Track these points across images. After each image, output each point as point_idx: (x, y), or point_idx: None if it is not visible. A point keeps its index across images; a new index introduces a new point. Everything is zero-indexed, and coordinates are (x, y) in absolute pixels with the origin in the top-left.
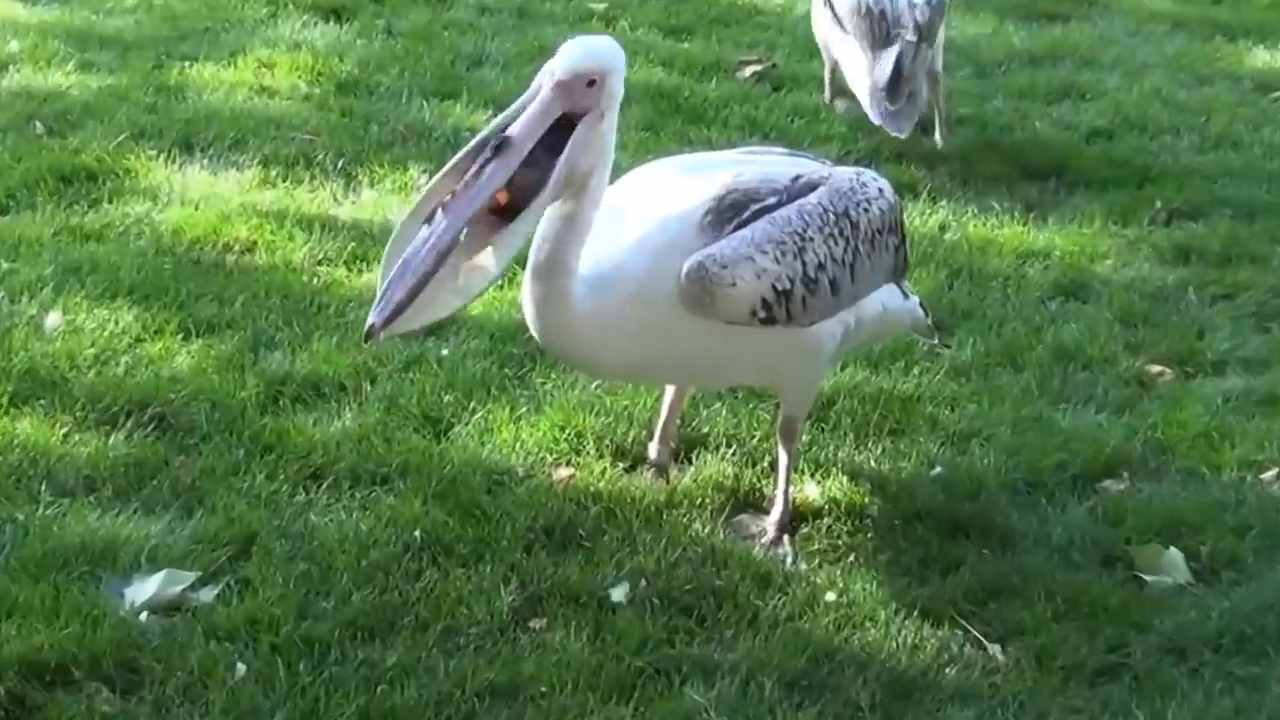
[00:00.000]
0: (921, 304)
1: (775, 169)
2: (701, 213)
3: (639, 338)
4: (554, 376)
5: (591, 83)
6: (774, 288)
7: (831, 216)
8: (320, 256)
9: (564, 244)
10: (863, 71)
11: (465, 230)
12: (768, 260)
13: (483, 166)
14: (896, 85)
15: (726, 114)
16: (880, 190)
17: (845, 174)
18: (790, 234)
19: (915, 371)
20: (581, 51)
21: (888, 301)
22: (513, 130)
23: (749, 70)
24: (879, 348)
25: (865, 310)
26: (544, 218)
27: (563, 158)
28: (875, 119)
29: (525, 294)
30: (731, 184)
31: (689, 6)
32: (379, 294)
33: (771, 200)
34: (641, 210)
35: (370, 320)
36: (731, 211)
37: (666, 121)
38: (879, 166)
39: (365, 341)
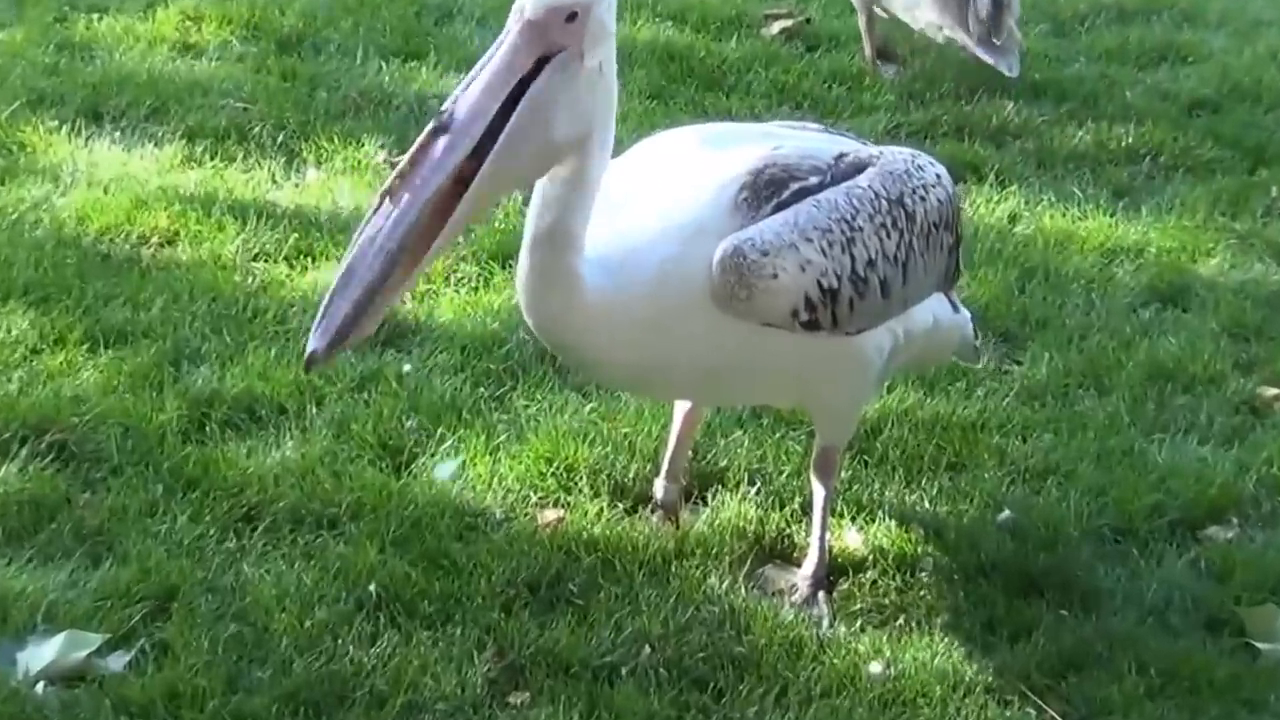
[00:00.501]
0: (972, 320)
1: (814, 144)
2: (736, 189)
3: (653, 336)
4: (539, 398)
5: (572, 16)
6: (819, 284)
7: (884, 203)
8: (256, 250)
9: (570, 211)
10: (951, 5)
11: (419, 222)
12: (813, 250)
13: (431, 140)
14: (998, 17)
15: (749, 79)
16: (938, 177)
17: (898, 154)
18: (838, 221)
19: (979, 393)
20: None
21: (939, 313)
22: (469, 90)
23: (777, 26)
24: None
25: (915, 321)
26: (543, 183)
27: (519, 110)
28: (982, 56)
29: (521, 272)
30: (769, 157)
31: None
32: (320, 309)
33: (814, 180)
34: (659, 186)
35: (310, 346)
36: (770, 189)
37: (676, 88)
38: (935, 144)
39: (307, 370)
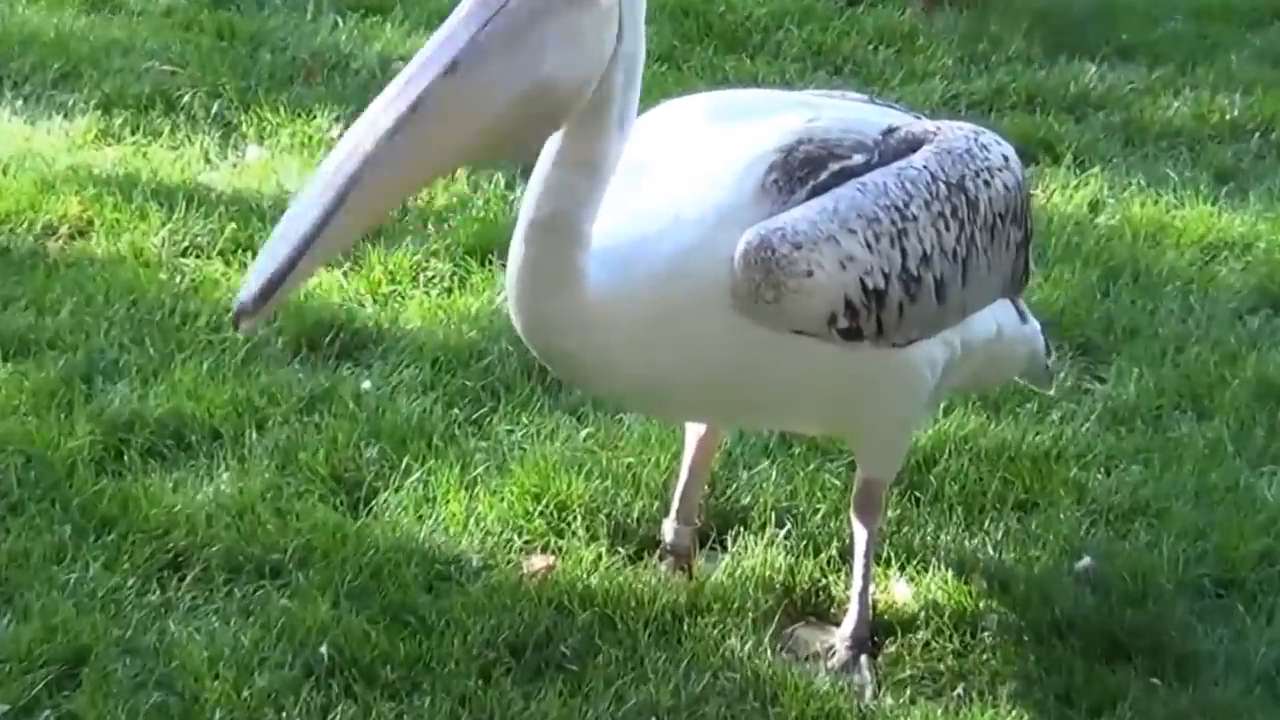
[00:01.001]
0: (1044, 333)
1: (857, 116)
2: (764, 168)
3: (663, 342)
4: (525, 421)
5: None
6: (863, 283)
7: (942, 188)
8: (186, 243)
9: (577, 200)
10: None
11: (377, 156)
12: (855, 243)
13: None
14: None
15: (779, 39)
16: (1005, 159)
17: (958, 131)
18: (887, 209)
19: (1053, 417)
20: None
21: (1004, 322)
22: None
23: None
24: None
25: (975, 331)
26: (545, 165)
27: (493, 22)
28: None
29: (512, 266)
30: (804, 131)
31: None
32: (258, 261)
33: (858, 159)
34: (671, 164)
35: (240, 297)
36: (805, 169)
37: (691, 49)
38: (1001, 117)
39: (235, 328)
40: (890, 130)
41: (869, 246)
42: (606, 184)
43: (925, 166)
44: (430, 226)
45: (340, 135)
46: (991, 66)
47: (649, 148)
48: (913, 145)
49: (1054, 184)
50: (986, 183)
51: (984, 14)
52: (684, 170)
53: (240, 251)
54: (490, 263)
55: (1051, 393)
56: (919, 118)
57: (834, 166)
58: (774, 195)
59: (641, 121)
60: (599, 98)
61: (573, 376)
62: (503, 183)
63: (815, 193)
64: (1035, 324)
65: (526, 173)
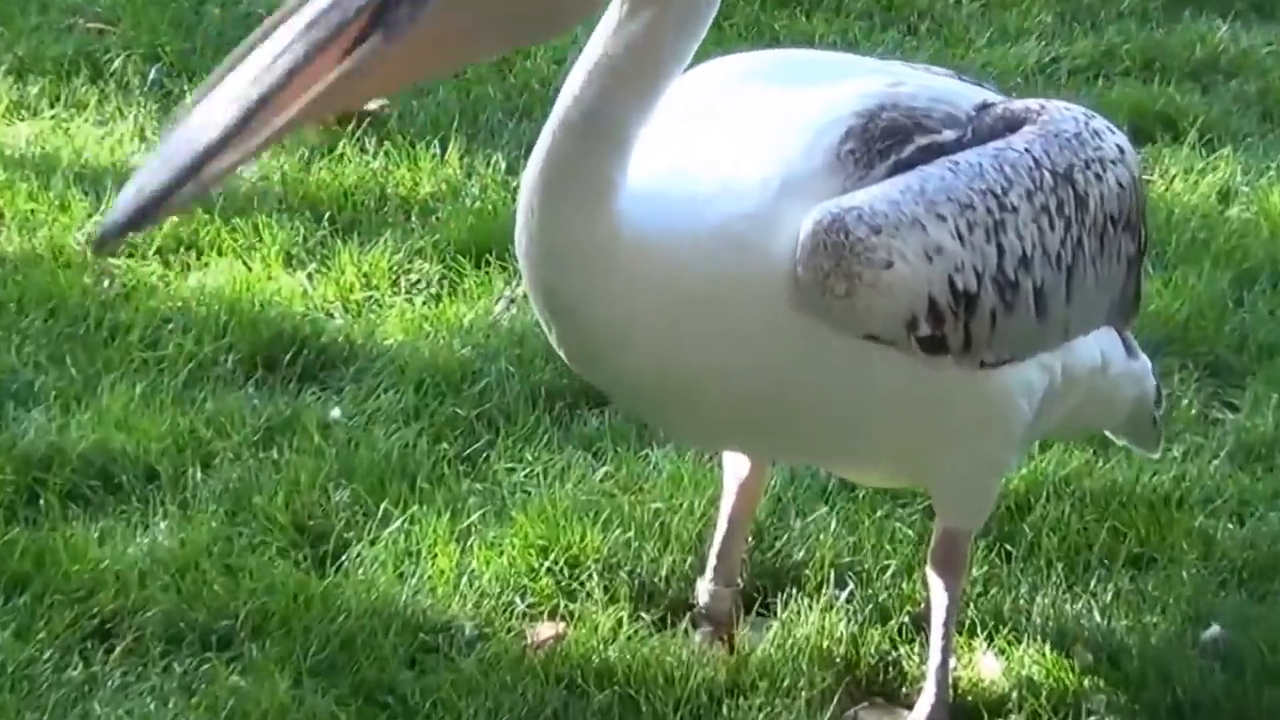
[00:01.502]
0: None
1: (948, 86)
2: (839, 135)
3: (699, 325)
4: (529, 458)
5: None
6: (951, 282)
7: (1047, 178)
8: None
9: (623, 93)
10: None
11: (301, 64)
12: (945, 232)
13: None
14: None
15: None
16: (1120, 151)
17: (1065, 111)
18: (983, 194)
19: (1174, 453)
20: None
21: (1110, 353)
22: None
23: None
24: None
25: (1077, 358)
26: (591, 45)
27: None
28: None
29: (529, 174)
30: (887, 96)
31: None
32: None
33: (949, 135)
34: (730, 118)
35: (108, 218)
36: (887, 140)
37: (734, 4)
38: (1109, 85)
39: (96, 251)
40: (985, 105)
41: (960, 238)
42: (665, 81)
43: (1028, 150)
44: (414, 219)
45: None
46: (1099, 24)
47: (701, 98)
48: (1013, 124)
49: (1175, 167)
50: (1098, 176)
51: None
52: (743, 127)
53: (181, 250)
54: (487, 264)
55: (1157, 455)
56: (1012, 98)
57: (921, 140)
58: (849, 168)
59: (694, 73)
60: None
61: (578, 344)
62: (503, 165)
63: (898, 169)
64: (1145, 361)
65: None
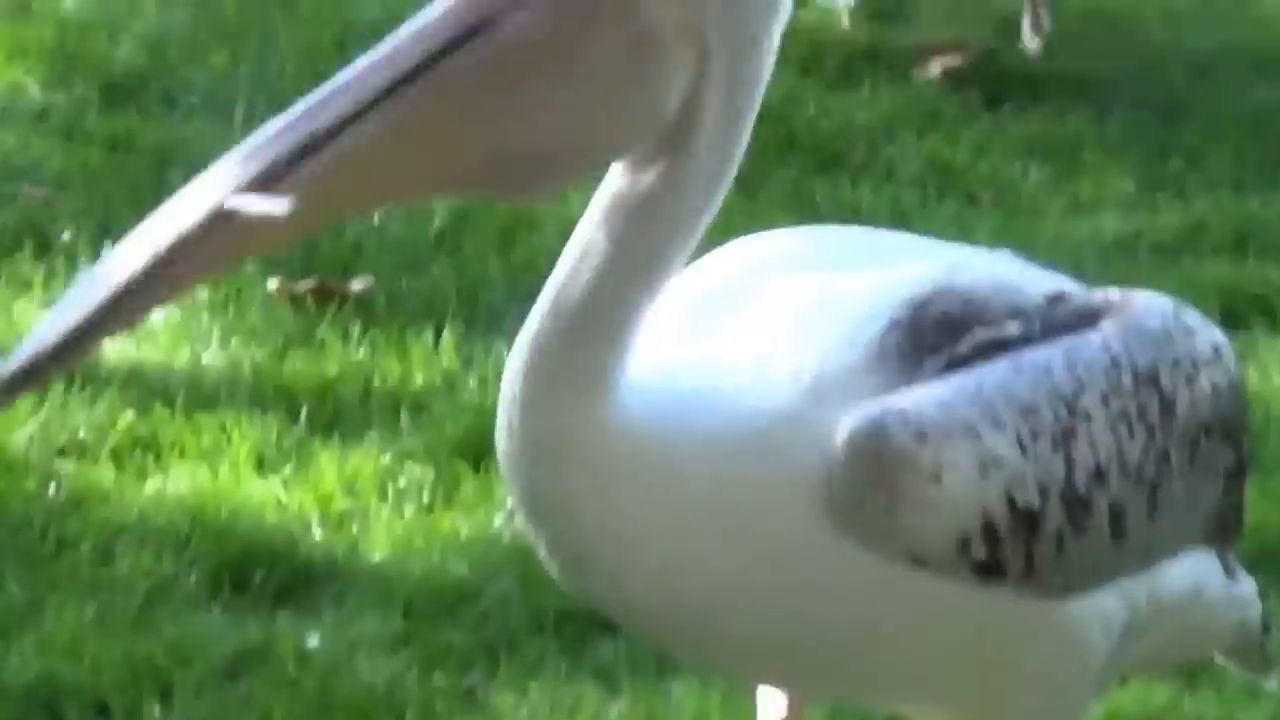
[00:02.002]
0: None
1: (1011, 271)
2: (883, 325)
3: (712, 536)
4: (534, 692)
5: None
6: (1010, 499)
7: (1126, 379)
8: (65, 439)
9: (626, 267)
10: None
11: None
12: (1004, 441)
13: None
14: None
15: (891, 155)
16: (1216, 350)
17: (1152, 304)
18: (1050, 398)
19: (1273, 686)
20: None
21: (1205, 579)
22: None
23: (937, 66)
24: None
25: (1165, 587)
26: (590, 215)
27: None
28: None
29: (514, 363)
30: (942, 282)
31: None
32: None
33: (1012, 329)
34: (756, 307)
35: (9, 367)
36: (940, 334)
37: (769, 169)
38: (1198, 263)
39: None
40: (1057, 296)
41: (1022, 447)
42: (676, 256)
43: (1105, 347)
44: (404, 416)
45: (278, 290)
46: (1186, 193)
47: (723, 280)
48: (1087, 318)
49: (1272, 358)
50: (1189, 378)
51: (1174, 119)
52: (771, 314)
53: (139, 451)
54: (485, 468)
55: (1273, 684)
56: (1089, 291)
57: (980, 335)
58: (895, 363)
59: (717, 254)
60: (681, 124)
61: (567, 560)
62: (506, 355)
63: (952, 367)
64: (1248, 584)
65: None
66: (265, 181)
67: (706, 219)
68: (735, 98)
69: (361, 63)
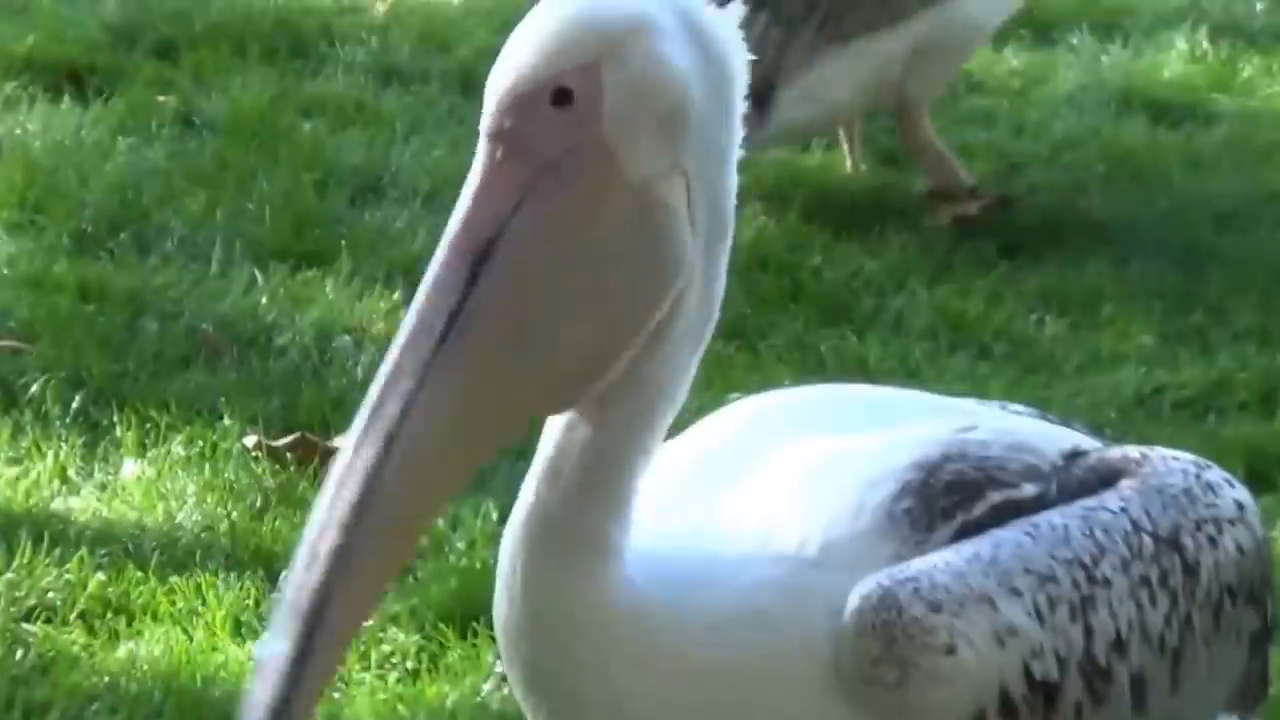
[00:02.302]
0: None
1: (1025, 429)
2: (893, 491)
3: (718, 713)
4: None
5: (562, 96)
6: (1028, 670)
7: (1147, 543)
8: (32, 602)
9: (610, 453)
10: None
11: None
12: (1020, 610)
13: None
14: None
15: (899, 307)
16: (1240, 508)
17: (1172, 462)
18: (1068, 564)
19: None
20: (547, 17)
21: None
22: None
23: (947, 214)
24: None
25: None
26: (558, 426)
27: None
28: None
29: (508, 550)
30: (953, 444)
31: None
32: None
33: (1029, 490)
34: (760, 472)
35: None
36: (953, 498)
37: (771, 321)
38: (1223, 421)
39: None
40: (1074, 454)
41: (1039, 617)
42: (665, 416)
43: (1124, 509)
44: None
45: (256, 447)
46: (1210, 347)
47: (729, 439)
48: (1106, 478)
49: None
50: (1212, 540)
51: (1197, 269)
52: (776, 479)
53: (110, 615)
54: (474, 633)
55: None
56: (1107, 445)
57: (994, 498)
58: (905, 530)
59: (719, 414)
60: (668, 277)
61: (566, 717)
62: (495, 515)
63: (965, 533)
64: None
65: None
66: (367, 499)
67: (691, 371)
68: (711, 232)
69: (400, 339)
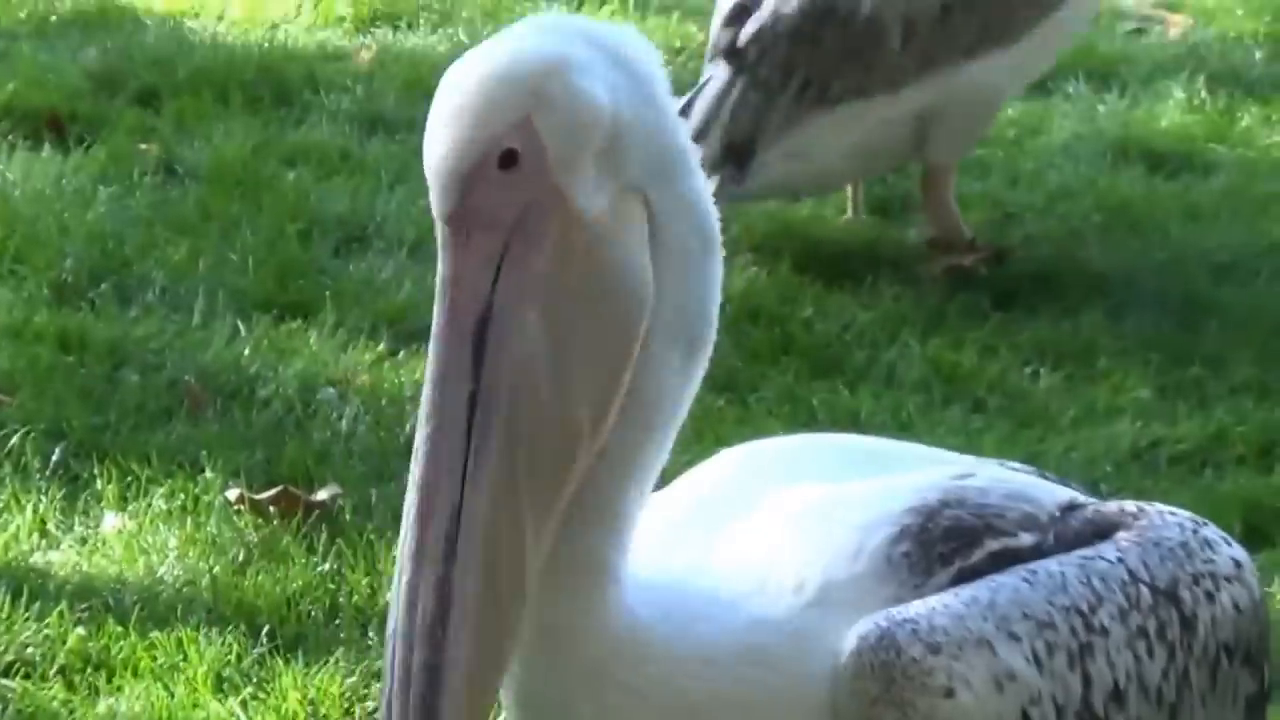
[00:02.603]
0: None
1: (1025, 481)
2: (891, 534)
3: None
4: None
5: (507, 159)
6: (1025, 716)
7: (1144, 594)
8: (10, 657)
9: (603, 485)
10: None
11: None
12: (1019, 656)
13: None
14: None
15: (892, 359)
16: (1238, 566)
17: (1170, 518)
18: (1066, 612)
19: None
20: (463, 85)
21: None
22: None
23: (942, 264)
24: None
25: None
26: None
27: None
28: None
29: None
30: (952, 490)
31: None
32: None
33: (1026, 540)
34: (760, 512)
35: None
36: (951, 544)
37: (762, 374)
38: (1220, 476)
39: None
40: (1072, 507)
41: (1038, 662)
42: (660, 439)
43: (1121, 560)
44: (372, 633)
45: (238, 500)
46: (1207, 401)
47: (729, 480)
48: (1102, 531)
49: None
50: (1209, 595)
51: (1194, 321)
52: (775, 520)
53: (90, 670)
54: None
55: None
56: (1104, 500)
57: (992, 545)
58: (904, 574)
59: (719, 458)
60: (637, 305)
61: None
62: None
63: (962, 579)
64: None
65: None
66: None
67: (686, 387)
68: (686, 235)
69: (424, 447)
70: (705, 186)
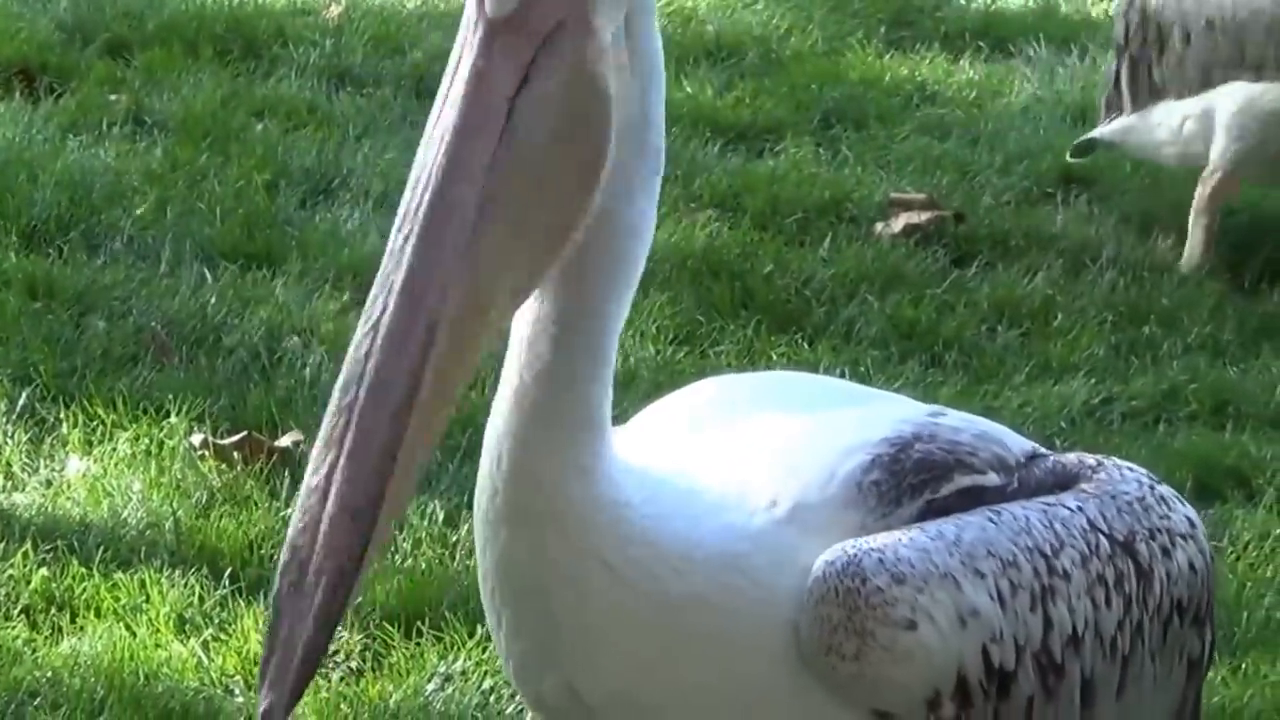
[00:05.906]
0: None
1: (993, 426)
2: (863, 462)
3: (676, 647)
4: None
5: None
6: (985, 652)
7: (1104, 544)
8: None
9: (583, 320)
10: None
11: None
12: (983, 593)
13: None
14: None
15: (851, 315)
16: (1192, 524)
17: (1129, 473)
18: (1030, 553)
19: None
20: None
21: None
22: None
23: (901, 221)
24: None
25: None
26: (522, 319)
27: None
28: None
29: (499, 434)
30: (925, 426)
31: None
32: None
33: (994, 479)
34: (743, 428)
35: (263, 702)
36: (921, 476)
37: (722, 325)
38: (1171, 432)
39: None
40: (1035, 456)
41: (1001, 600)
42: (616, 324)
43: (1081, 509)
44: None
45: (201, 445)
46: (1160, 359)
47: (712, 404)
48: (1064, 481)
49: (1248, 533)
50: (1165, 551)
51: (1150, 282)
52: (758, 437)
53: (54, 610)
54: (419, 633)
55: None
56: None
57: (962, 481)
58: (872, 502)
59: (696, 386)
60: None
61: (527, 649)
62: (440, 516)
63: (930, 512)
64: None
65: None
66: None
67: (650, 212)
68: (646, 74)
69: (427, 178)
70: (658, 35)
